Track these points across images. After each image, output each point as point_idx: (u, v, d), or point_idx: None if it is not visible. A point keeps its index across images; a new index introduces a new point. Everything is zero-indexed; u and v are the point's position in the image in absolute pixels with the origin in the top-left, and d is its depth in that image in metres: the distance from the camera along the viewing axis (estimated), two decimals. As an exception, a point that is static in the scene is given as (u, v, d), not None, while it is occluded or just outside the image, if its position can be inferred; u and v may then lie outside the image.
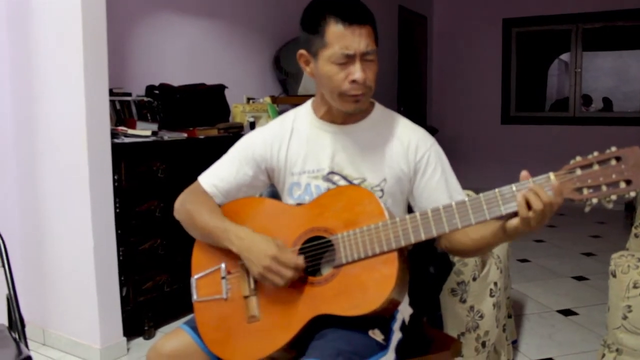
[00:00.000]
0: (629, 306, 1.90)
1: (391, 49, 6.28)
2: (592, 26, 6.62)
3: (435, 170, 1.44)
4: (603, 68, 9.36)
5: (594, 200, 1.09)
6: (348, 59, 1.30)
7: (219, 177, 1.49)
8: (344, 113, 1.42)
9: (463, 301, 2.16)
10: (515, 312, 2.88)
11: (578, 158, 1.11)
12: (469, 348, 2.18)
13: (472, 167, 6.71)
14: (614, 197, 1.08)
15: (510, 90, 7.02)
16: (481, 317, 2.20)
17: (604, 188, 1.08)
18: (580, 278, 3.76)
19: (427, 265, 1.61)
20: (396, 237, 1.23)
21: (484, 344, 2.22)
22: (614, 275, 1.95)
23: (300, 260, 1.28)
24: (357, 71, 1.30)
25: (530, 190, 1.12)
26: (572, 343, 2.73)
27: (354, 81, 1.31)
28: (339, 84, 1.33)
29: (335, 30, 1.29)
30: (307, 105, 1.52)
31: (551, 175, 1.12)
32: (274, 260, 1.27)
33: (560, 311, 3.15)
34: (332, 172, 1.43)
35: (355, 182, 1.42)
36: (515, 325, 2.80)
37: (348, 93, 1.34)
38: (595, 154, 1.10)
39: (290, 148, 1.47)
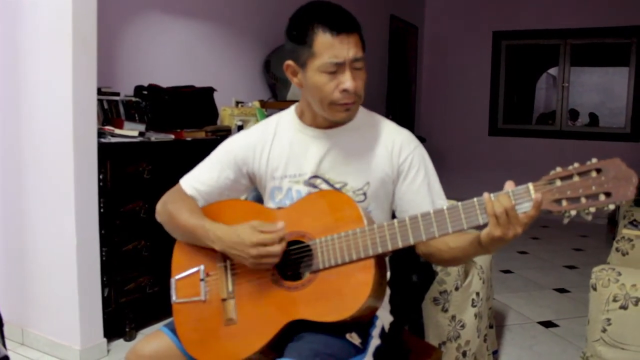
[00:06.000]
0: (609, 319, 1.92)
1: (382, 58, 6.31)
2: (580, 42, 6.70)
3: (418, 173, 1.43)
4: (589, 84, 9.50)
5: (573, 212, 1.07)
6: (337, 68, 1.31)
7: (200, 180, 1.49)
8: (330, 120, 1.42)
9: (445, 310, 2.17)
10: (496, 323, 2.90)
11: (558, 169, 1.09)
12: (449, 357, 2.19)
13: (459, 177, 6.73)
14: (592, 209, 1.06)
15: (499, 102, 7.08)
16: (462, 326, 2.21)
17: (583, 200, 1.06)
18: (561, 290, 3.79)
19: (410, 273, 1.62)
20: (373, 244, 1.23)
21: (464, 354, 2.23)
22: (595, 289, 1.96)
23: (280, 230, 1.28)
24: (347, 80, 1.31)
25: (496, 196, 1.12)
26: (552, 355, 2.75)
27: (344, 90, 1.32)
28: (329, 93, 1.33)
29: (323, 40, 1.29)
30: (291, 111, 1.52)
31: (530, 186, 1.11)
32: (259, 246, 1.26)
33: (541, 323, 3.17)
34: (314, 177, 1.43)
35: (337, 186, 1.42)
36: (497, 335, 2.81)
37: (339, 102, 1.34)
38: (576, 165, 1.08)
39: (272, 152, 1.48)
